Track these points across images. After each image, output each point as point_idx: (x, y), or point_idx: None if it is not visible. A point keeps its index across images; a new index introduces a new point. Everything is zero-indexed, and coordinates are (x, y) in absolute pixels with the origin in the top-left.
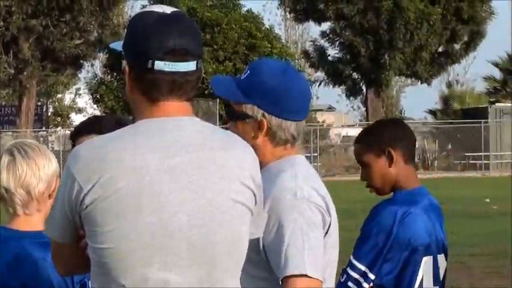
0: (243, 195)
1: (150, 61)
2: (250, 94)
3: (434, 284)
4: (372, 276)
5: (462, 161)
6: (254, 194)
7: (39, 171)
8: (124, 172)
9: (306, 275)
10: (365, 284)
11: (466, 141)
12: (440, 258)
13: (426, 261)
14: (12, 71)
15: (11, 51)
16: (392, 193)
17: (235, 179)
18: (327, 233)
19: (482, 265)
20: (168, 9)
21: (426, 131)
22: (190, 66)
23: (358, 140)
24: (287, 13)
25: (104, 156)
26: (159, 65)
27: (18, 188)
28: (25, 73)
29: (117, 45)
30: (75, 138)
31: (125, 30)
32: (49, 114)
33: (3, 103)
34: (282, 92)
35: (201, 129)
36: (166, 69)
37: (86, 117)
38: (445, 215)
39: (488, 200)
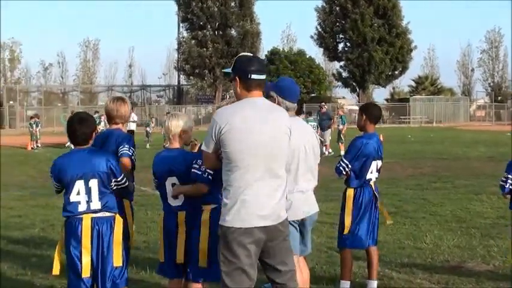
0: (286, 131)
1: (249, 74)
2: (274, 89)
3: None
4: (349, 166)
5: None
6: (290, 131)
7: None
8: (237, 119)
9: None
10: (347, 169)
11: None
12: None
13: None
14: (211, 81)
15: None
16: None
17: (283, 124)
18: None
19: None
20: (251, 55)
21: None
22: (263, 77)
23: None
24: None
25: (229, 112)
26: (253, 76)
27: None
28: (217, 82)
29: (228, 70)
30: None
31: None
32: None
33: (207, 93)
34: (286, 88)
35: (266, 102)
36: (255, 78)
37: None
38: None
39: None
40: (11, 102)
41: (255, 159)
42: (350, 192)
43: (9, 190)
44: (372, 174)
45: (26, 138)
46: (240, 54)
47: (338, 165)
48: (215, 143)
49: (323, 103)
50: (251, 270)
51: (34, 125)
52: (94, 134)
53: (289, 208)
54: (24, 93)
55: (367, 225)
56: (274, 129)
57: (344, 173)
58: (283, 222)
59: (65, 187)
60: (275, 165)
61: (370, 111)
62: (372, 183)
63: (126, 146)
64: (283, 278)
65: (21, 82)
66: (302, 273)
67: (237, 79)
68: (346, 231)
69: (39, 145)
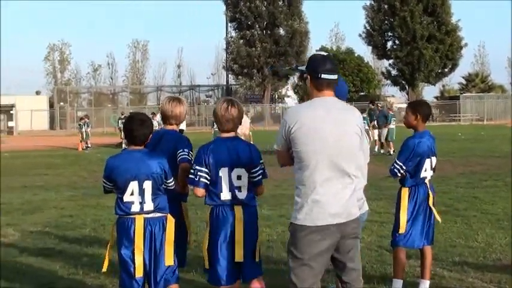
0: (357, 130)
1: (320, 74)
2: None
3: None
4: (404, 167)
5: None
6: (361, 130)
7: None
8: (307, 119)
9: None
10: (401, 171)
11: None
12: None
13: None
14: (260, 80)
15: (257, 73)
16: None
17: (353, 123)
18: None
19: None
20: (324, 53)
21: None
22: (335, 76)
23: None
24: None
25: (298, 112)
26: (324, 75)
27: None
28: (266, 81)
29: (302, 67)
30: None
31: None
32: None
33: (256, 92)
34: (338, 89)
35: (337, 102)
36: (326, 77)
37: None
38: None
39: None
40: (62, 103)
41: (325, 158)
42: (405, 191)
43: (61, 190)
44: (426, 173)
45: (77, 139)
46: (314, 53)
47: (392, 168)
48: (285, 141)
49: (379, 102)
50: (319, 267)
51: (84, 126)
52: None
53: (361, 207)
54: (75, 95)
55: (422, 225)
56: (344, 128)
57: (399, 175)
58: (355, 220)
59: (118, 187)
60: (345, 164)
61: (422, 110)
62: (426, 181)
63: (185, 150)
64: (350, 276)
65: (71, 83)
66: None
67: (309, 78)
68: (401, 230)
69: (90, 146)
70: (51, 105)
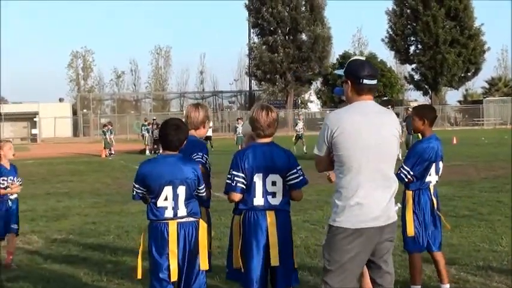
0: (395, 133)
1: (361, 79)
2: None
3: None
4: (411, 173)
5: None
6: (399, 134)
7: None
8: (348, 123)
9: None
10: (409, 176)
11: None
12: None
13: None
14: (283, 86)
15: (280, 78)
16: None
17: (392, 127)
18: None
19: None
20: (363, 58)
21: None
22: (375, 82)
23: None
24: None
25: (339, 117)
26: (365, 81)
27: None
28: (288, 86)
29: (340, 71)
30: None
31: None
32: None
33: (278, 98)
34: None
35: (376, 106)
36: (368, 83)
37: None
38: None
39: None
40: (85, 110)
41: (366, 161)
42: (409, 194)
43: (84, 197)
44: (431, 177)
45: (100, 145)
46: (353, 57)
47: (399, 172)
48: (327, 146)
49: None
50: (355, 270)
51: (108, 133)
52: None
53: (397, 211)
54: (98, 102)
55: (428, 228)
56: (383, 132)
57: (406, 180)
58: (393, 223)
59: (151, 192)
60: (385, 167)
61: (428, 114)
62: (431, 186)
63: (199, 153)
64: (385, 280)
65: (94, 90)
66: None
67: (349, 83)
68: (410, 233)
69: (113, 152)
70: (75, 113)
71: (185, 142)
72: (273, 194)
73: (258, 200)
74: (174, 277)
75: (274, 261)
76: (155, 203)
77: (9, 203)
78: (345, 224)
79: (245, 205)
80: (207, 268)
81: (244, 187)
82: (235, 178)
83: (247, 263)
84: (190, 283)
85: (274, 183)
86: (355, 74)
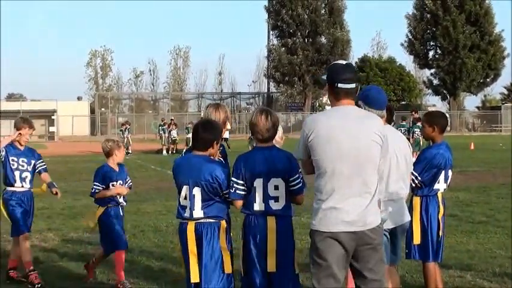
0: (375, 138)
1: (336, 83)
2: (360, 97)
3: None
4: (419, 178)
5: None
6: (382, 139)
7: None
8: (322, 127)
9: None
10: (416, 181)
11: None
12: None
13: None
14: (301, 88)
15: (299, 81)
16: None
17: (372, 131)
18: None
19: None
20: (344, 62)
21: None
22: (352, 86)
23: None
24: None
25: (315, 121)
26: (340, 85)
27: None
28: (307, 89)
29: (324, 76)
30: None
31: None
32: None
33: (296, 100)
34: (371, 97)
35: (356, 110)
36: (343, 87)
37: None
38: None
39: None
40: (103, 109)
41: (341, 166)
42: (416, 200)
43: None
44: (439, 185)
45: None
46: (334, 62)
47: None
48: (305, 150)
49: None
50: (338, 273)
51: (126, 132)
52: (216, 143)
53: (386, 217)
54: (116, 101)
55: (433, 237)
56: (361, 137)
57: (413, 185)
58: (373, 229)
59: (177, 188)
60: (362, 172)
61: (438, 121)
62: (439, 194)
63: None
64: (369, 287)
65: (112, 89)
66: (391, 282)
67: (328, 87)
68: (416, 241)
69: (130, 152)
70: (92, 111)
71: (217, 143)
72: (276, 199)
73: (258, 205)
74: (194, 278)
75: (271, 267)
76: (179, 201)
77: (120, 210)
78: (321, 227)
79: (247, 210)
80: (230, 272)
81: (244, 193)
82: (235, 185)
83: (247, 268)
84: (210, 286)
85: (276, 188)
86: (331, 79)
